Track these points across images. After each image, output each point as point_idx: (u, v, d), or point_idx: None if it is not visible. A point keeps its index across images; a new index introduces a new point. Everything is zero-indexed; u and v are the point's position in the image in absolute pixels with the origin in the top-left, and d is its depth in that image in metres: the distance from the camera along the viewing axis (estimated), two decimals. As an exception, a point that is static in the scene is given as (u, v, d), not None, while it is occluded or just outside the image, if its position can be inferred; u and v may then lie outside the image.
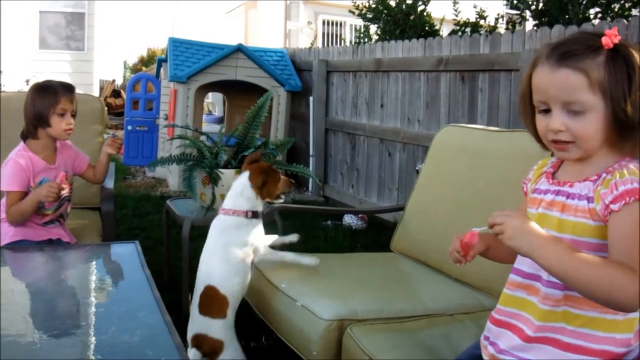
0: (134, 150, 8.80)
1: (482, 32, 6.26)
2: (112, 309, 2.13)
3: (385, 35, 7.41)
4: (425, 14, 7.26)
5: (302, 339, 2.45)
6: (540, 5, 5.78)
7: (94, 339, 1.83)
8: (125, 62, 19.71)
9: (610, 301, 1.39)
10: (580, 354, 1.50)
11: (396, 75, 6.18)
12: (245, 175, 2.78)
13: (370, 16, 7.65)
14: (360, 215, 5.98)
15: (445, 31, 7.22)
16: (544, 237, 1.45)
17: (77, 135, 3.84)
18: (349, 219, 5.98)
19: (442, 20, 7.40)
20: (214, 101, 12.85)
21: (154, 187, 7.78)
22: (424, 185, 3.35)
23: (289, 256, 2.85)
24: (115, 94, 15.33)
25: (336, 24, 17.89)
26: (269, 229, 4.58)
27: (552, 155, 1.71)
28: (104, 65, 16.75)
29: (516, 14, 6.29)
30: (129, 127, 8.81)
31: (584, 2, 5.35)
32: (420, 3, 7.19)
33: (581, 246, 1.47)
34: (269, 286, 2.80)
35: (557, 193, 1.57)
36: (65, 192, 3.10)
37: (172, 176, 7.63)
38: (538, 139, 1.62)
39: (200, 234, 5.29)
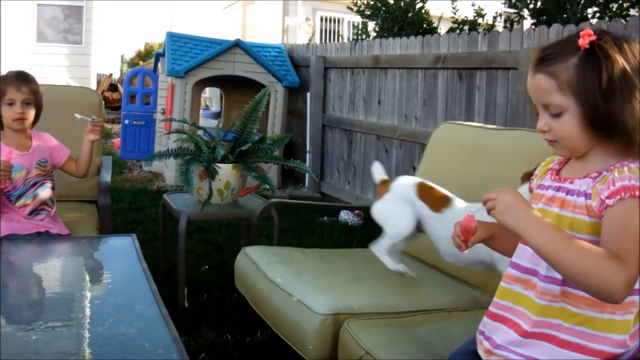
0: (131, 144, 8.80)
1: (480, 30, 6.27)
2: (109, 301, 2.13)
3: (383, 32, 7.42)
4: (423, 11, 7.27)
5: (298, 333, 2.45)
6: (539, 4, 5.79)
7: (90, 331, 1.83)
8: (122, 56, 19.71)
9: (597, 288, 1.39)
10: (577, 352, 1.50)
11: (394, 72, 6.18)
12: None
13: (369, 13, 7.66)
14: (356, 212, 5.99)
15: (443, 29, 7.23)
16: (536, 216, 1.47)
17: (74, 128, 3.85)
18: (345, 215, 5.99)
19: (440, 18, 7.41)
20: (211, 96, 12.85)
21: (150, 181, 7.78)
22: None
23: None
24: (113, 87, 15.32)
25: (334, 20, 17.89)
26: (266, 224, 4.60)
27: None
28: (101, 59, 16.76)
29: (514, 13, 6.32)
30: (126, 121, 8.81)
31: (582, 2, 5.37)
32: (418, 0, 7.20)
33: None
34: (264, 280, 2.80)
35: (558, 189, 1.58)
36: (32, 175, 3.11)
37: (168, 170, 7.62)
38: None
39: (196, 228, 5.33)
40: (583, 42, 1.47)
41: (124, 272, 2.49)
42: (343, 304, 2.43)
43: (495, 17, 6.69)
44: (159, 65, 8.65)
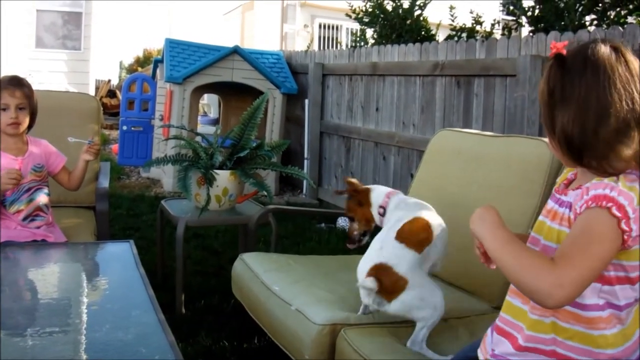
0: (129, 150, 8.81)
1: (478, 37, 6.28)
2: (107, 307, 2.14)
3: (382, 39, 7.43)
4: (421, 18, 7.28)
5: (295, 342, 2.45)
6: (537, 11, 5.80)
7: (88, 336, 1.83)
8: (121, 62, 19.69)
9: (526, 287, 1.38)
10: None
11: (392, 79, 6.20)
12: None
13: (367, 20, 7.67)
14: (354, 219, 5.98)
15: (441, 36, 7.24)
16: (494, 223, 1.51)
17: (73, 133, 3.85)
18: (342, 222, 5.99)
19: (438, 25, 7.42)
20: (209, 102, 12.86)
21: (148, 188, 7.78)
22: (418, 189, 3.36)
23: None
24: (111, 94, 15.32)
25: (332, 27, 17.92)
26: (264, 230, 4.60)
27: None
28: (100, 65, 16.75)
29: (512, 20, 6.32)
30: (124, 127, 8.83)
31: (580, 9, 5.38)
32: (416, 8, 7.21)
33: None
34: (261, 288, 2.80)
35: (557, 201, 1.58)
36: (26, 180, 3.11)
37: (166, 177, 7.63)
38: None
39: (194, 234, 5.34)
40: (550, 54, 1.50)
41: (122, 278, 2.50)
42: (340, 315, 2.43)
43: (493, 25, 6.70)
44: (158, 71, 8.67)
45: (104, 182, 3.80)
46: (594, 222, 1.38)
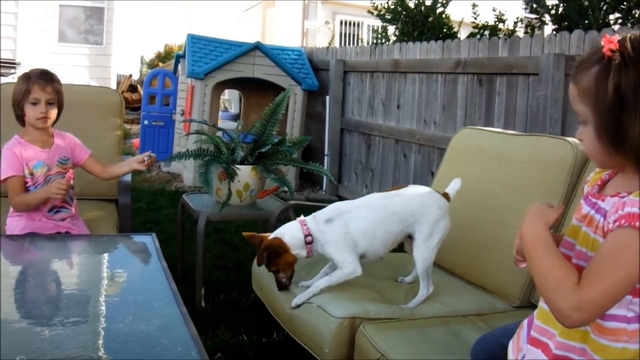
0: (150, 145, 8.84)
1: (500, 35, 6.24)
2: (129, 298, 2.15)
3: (403, 36, 7.41)
4: (444, 16, 7.26)
5: (315, 336, 2.46)
6: (560, 9, 5.76)
7: (110, 327, 1.85)
8: (142, 58, 19.77)
9: (548, 302, 1.39)
10: None
11: (413, 77, 6.18)
12: None
13: (389, 17, 7.65)
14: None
15: (463, 34, 7.22)
16: (533, 226, 1.49)
17: (96, 127, 3.89)
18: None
19: (460, 23, 7.39)
20: (230, 98, 12.88)
21: (168, 182, 7.82)
22: (439, 188, 3.34)
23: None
24: (132, 88, 15.39)
25: (354, 24, 17.89)
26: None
27: None
28: (121, 59, 16.82)
29: (535, 18, 6.28)
30: (145, 122, 8.87)
31: (604, 8, 5.34)
32: (439, 5, 7.19)
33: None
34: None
35: (593, 206, 1.51)
36: (52, 173, 3.15)
37: (187, 171, 7.66)
38: None
39: (214, 229, 5.35)
40: (605, 49, 1.40)
41: (144, 270, 2.52)
42: (359, 309, 2.44)
43: (516, 23, 6.67)
44: (179, 66, 8.70)
45: (126, 176, 3.82)
46: (623, 244, 1.33)
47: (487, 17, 6.76)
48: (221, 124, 8.72)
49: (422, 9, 7.23)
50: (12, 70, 12.96)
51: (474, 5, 6.84)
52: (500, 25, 6.68)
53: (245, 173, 3.66)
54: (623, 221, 1.33)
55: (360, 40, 15.48)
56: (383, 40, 8.06)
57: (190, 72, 7.28)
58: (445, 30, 7.20)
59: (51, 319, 1.92)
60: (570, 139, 2.73)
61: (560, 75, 4.28)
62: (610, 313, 1.41)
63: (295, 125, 7.75)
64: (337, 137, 7.57)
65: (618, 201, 1.40)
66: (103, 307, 2.05)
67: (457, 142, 3.45)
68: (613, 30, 4.25)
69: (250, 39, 8.44)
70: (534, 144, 2.92)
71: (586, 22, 5.35)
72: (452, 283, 2.94)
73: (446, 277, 3.01)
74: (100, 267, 2.62)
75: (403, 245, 3.19)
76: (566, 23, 5.60)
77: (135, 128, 12.55)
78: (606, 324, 1.43)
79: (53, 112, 3.14)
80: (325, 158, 7.57)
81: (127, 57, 17.46)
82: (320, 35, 17.11)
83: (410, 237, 2.73)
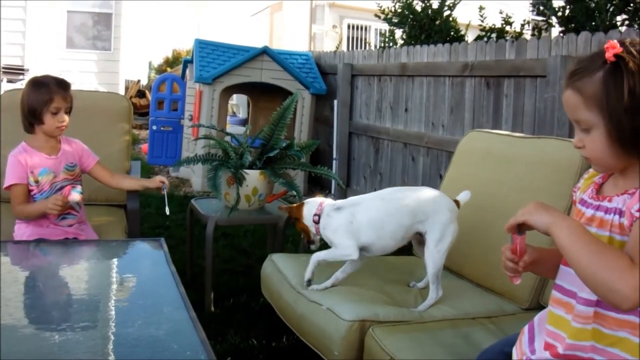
0: (158, 150, 8.86)
1: (507, 38, 6.24)
2: (138, 303, 2.16)
3: (411, 39, 7.41)
4: (451, 19, 7.25)
5: (324, 339, 2.47)
6: (567, 11, 5.75)
7: (120, 331, 1.86)
8: (150, 63, 19.83)
9: (604, 286, 1.35)
10: None
11: (421, 80, 6.18)
12: None
13: (396, 21, 7.64)
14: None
15: (470, 37, 7.21)
16: (562, 214, 1.47)
17: (105, 133, 3.90)
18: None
19: (467, 26, 7.38)
20: (238, 103, 12.91)
21: (177, 187, 7.83)
22: (448, 191, 3.35)
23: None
24: (140, 94, 15.43)
25: (361, 28, 17.89)
26: (292, 230, 4.60)
27: None
28: (129, 65, 16.86)
29: (542, 20, 6.27)
30: (154, 127, 8.88)
31: (611, 9, 5.32)
32: (446, 8, 7.18)
33: None
34: (290, 290, 2.82)
35: (597, 208, 1.53)
36: (59, 179, 3.16)
37: (195, 176, 7.67)
38: None
39: (222, 233, 5.36)
40: (608, 55, 1.42)
41: (153, 275, 2.52)
42: (369, 312, 2.45)
43: (523, 25, 6.65)
44: (187, 71, 8.72)
45: (136, 181, 3.83)
46: None
47: (494, 20, 6.75)
48: (229, 128, 8.75)
49: (429, 12, 7.23)
50: (21, 77, 13.01)
51: (481, 8, 6.83)
52: (507, 28, 6.66)
53: (253, 177, 3.67)
54: None
55: (367, 44, 15.49)
56: (390, 44, 8.06)
57: (198, 77, 7.30)
58: (452, 33, 7.19)
59: (61, 324, 1.93)
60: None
61: (564, 79, 4.27)
62: None
63: (303, 130, 7.75)
64: (345, 141, 7.57)
65: (631, 196, 1.43)
66: (112, 312, 2.06)
67: (465, 145, 3.45)
68: (620, 32, 4.25)
69: (258, 43, 8.44)
70: (541, 146, 2.92)
71: (593, 24, 5.34)
72: (460, 285, 2.94)
73: (455, 280, 3.01)
74: (109, 272, 2.63)
75: (412, 250, 3.20)
76: (573, 25, 5.59)
77: (144, 133, 12.58)
78: (628, 317, 1.44)
79: (67, 119, 3.15)
80: (334, 162, 7.57)
81: (135, 62, 17.51)
82: (328, 39, 17.12)
83: (420, 235, 2.77)
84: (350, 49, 16.65)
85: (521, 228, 1.54)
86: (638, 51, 1.41)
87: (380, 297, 2.65)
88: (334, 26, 17.59)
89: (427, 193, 2.80)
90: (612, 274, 1.33)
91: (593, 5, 5.43)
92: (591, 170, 1.68)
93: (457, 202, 2.82)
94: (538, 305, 2.63)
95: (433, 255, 2.67)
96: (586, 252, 1.38)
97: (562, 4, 5.81)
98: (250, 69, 7.48)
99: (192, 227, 4.17)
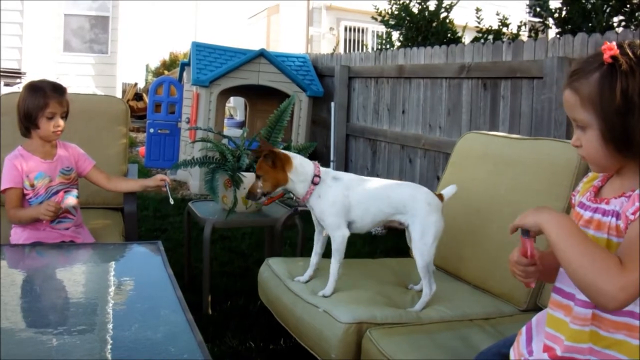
0: (156, 153, 8.87)
1: (504, 39, 6.25)
2: (135, 306, 2.15)
3: (408, 41, 7.42)
4: (447, 21, 7.26)
5: (322, 342, 2.46)
6: (564, 13, 5.76)
7: (117, 335, 1.85)
8: (147, 66, 19.85)
9: (590, 287, 1.36)
10: None
11: (418, 82, 6.19)
12: None
13: (393, 23, 7.66)
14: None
15: (467, 38, 7.22)
16: (554, 212, 1.48)
17: (102, 136, 3.90)
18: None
19: (464, 28, 7.39)
20: (235, 105, 12.91)
21: (174, 190, 7.83)
22: (445, 192, 3.36)
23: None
24: (137, 97, 15.43)
25: (358, 30, 17.90)
26: (290, 232, 4.61)
27: None
28: (126, 68, 16.86)
29: (539, 22, 6.29)
30: (151, 130, 8.88)
31: (608, 10, 5.34)
32: (443, 10, 7.20)
33: None
34: (288, 294, 2.81)
35: (595, 210, 1.54)
36: (55, 183, 3.15)
37: (193, 179, 7.67)
38: None
39: (220, 236, 5.36)
40: (605, 56, 1.44)
41: (151, 278, 2.51)
42: (366, 314, 2.45)
43: (519, 27, 6.66)
44: (184, 74, 8.72)
45: (132, 184, 3.83)
46: None
47: (490, 22, 6.77)
48: (227, 131, 8.74)
49: (426, 14, 7.24)
50: (18, 80, 13.00)
51: (478, 10, 6.85)
52: (504, 30, 6.68)
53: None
54: None
55: (364, 46, 15.51)
56: (387, 46, 8.07)
57: (196, 80, 7.30)
58: (449, 35, 7.21)
59: (58, 327, 1.93)
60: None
61: (564, 78, 4.28)
62: (628, 309, 1.43)
63: (300, 132, 7.75)
64: (343, 143, 7.57)
65: (628, 199, 1.44)
66: (110, 315, 2.06)
67: (462, 147, 3.45)
68: (616, 33, 4.25)
69: (255, 46, 8.45)
70: (539, 148, 2.92)
71: (589, 25, 5.35)
72: (458, 287, 2.94)
73: (452, 281, 3.01)
74: (106, 275, 2.62)
75: (409, 252, 3.20)
76: (569, 26, 5.60)
77: (141, 136, 12.58)
78: (624, 319, 1.45)
79: (63, 124, 3.15)
80: (331, 164, 7.57)
81: (132, 65, 17.53)
82: (325, 41, 17.12)
83: (402, 226, 2.83)
84: (347, 51, 16.66)
85: (529, 232, 1.55)
86: (634, 53, 1.43)
87: (378, 299, 2.64)
88: (331, 28, 17.60)
89: (409, 187, 2.86)
90: (600, 275, 1.35)
91: (590, 6, 5.45)
92: (590, 174, 1.69)
93: (440, 196, 2.84)
94: (535, 307, 2.63)
95: (420, 248, 2.69)
96: (575, 251, 1.39)
97: (559, 5, 5.83)
98: (248, 71, 7.48)
99: (190, 230, 4.17)
